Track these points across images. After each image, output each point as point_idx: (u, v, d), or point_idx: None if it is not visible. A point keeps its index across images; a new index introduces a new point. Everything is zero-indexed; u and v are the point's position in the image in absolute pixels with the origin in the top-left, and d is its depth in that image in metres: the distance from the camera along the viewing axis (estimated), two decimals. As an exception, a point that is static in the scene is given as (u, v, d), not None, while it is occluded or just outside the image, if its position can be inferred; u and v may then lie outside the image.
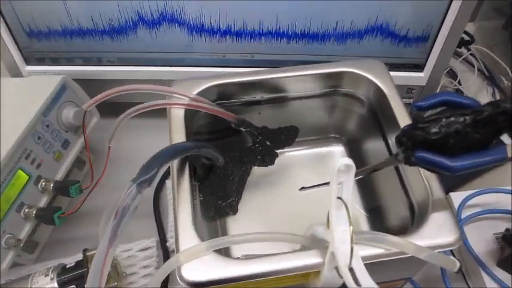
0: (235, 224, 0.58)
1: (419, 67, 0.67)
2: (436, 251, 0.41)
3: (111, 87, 0.50)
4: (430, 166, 0.38)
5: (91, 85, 0.67)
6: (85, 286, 0.41)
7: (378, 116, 0.55)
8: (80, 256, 0.54)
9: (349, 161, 0.37)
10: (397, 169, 0.52)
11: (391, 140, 0.54)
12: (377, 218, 0.57)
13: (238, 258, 0.49)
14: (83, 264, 0.52)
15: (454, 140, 0.37)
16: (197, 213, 0.48)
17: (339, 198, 0.38)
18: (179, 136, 0.50)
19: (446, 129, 0.37)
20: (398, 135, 0.41)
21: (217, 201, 0.54)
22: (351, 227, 0.37)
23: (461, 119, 0.37)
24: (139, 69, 0.69)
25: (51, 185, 0.58)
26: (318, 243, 0.42)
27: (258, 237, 0.41)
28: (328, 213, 0.38)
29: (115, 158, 0.58)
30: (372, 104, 0.57)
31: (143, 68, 0.69)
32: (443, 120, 0.37)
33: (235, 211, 0.58)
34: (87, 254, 0.54)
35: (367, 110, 0.58)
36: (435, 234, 0.42)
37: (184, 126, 0.50)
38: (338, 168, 0.36)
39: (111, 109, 0.54)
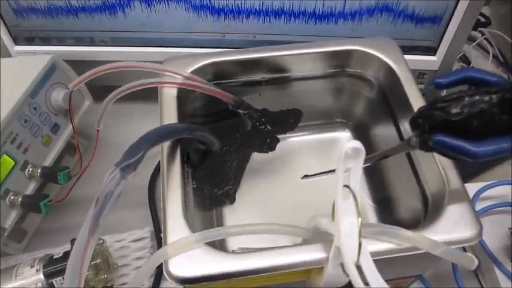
0: (232, 215, 0.54)
1: (432, 50, 0.62)
2: (452, 246, 0.36)
3: (104, 69, 0.47)
4: (450, 151, 0.34)
5: (83, 67, 0.62)
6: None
7: (388, 99, 0.51)
8: (68, 246, 0.52)
9: (357, 144, 0.33)
10: (409, 156, 0.48)
11: (403, 126, 0.49)
12: (386, 210, 0.54)
13: (233, 251, 0.45)
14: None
15: (478, 121, 0.32)
16: (189, 202, 0.44)
17: (346, 186, 0.34)
18: (170, 117, 0.46)
19: (469, 110, 0.32)
20: (414, 116, 0.36)
21: (213, 190, 0.50)
22: (359, 219, 0.33)
23: (487, 98, 0.32)
24: (133, 49, 0.65)
25: (39, 171, 0.55)
26: (321, 237, 0.38)
27: (255, 229, 0.38)
28: (333, 203, 0.35)
29: (107, 143, 0.56)
30: (382, 86, 0.53)
31: (138, 49, 0.65)
32: (466, 99, 0.33)
33: (232, 200, 0.54)
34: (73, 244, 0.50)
35: (377, 92, 0.54)
36: (451, 228, 0.38)
37: (176, 107, 0.46)
38: (345, 153, 0.32)
39: (104, 93, 0.51)
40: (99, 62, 0.50)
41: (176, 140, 0.44)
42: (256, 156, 0.55)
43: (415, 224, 0.41)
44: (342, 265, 0.35)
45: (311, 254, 0.37)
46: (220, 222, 0.54)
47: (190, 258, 0.36)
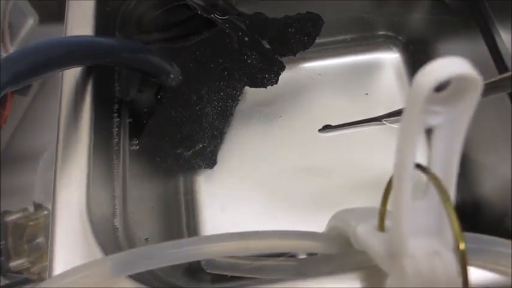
0: (210, 187, 0.37)
1: None
2: None
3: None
4: None
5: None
6: None
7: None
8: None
9: (464, 66, 0.12)
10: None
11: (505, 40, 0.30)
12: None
13: (192, 271, 0.28)
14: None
15: None
16: (120, 177, 0.26)
17: (421, 167, 0.15)
18: (82, 27, 0.26)
19: None
20: None
21: (175, 149, 0.32)
22: (462, 246, 0.13)
23: None
24: None
25: None
26: (354, 258, 0.19)
27: (232, 247, 0.20)
28: (383, 194, 0.17)
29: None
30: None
31: None
32: None
33: (211, 163, 0.37)
34: (7, 219, 0.42)
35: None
36: None
37: (96, 11, 0.26)
38: (431, 84, 0.12)
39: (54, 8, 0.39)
40: None
41: (93, 71, 0.26)
42: (249, 93, 0.40)
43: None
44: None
45: None
46: (192, 200, 0.37)
47: None
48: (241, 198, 0.36)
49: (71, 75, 0.25)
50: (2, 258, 0.41)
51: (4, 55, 0.47)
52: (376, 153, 0.36)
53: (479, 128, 0.35)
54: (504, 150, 0.32)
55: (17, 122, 0.51)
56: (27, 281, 0.42)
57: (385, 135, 0.35)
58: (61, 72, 0.25)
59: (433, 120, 0.14)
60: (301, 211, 0.35)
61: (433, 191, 0.15)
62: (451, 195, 0.15)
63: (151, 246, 0.20)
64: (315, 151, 0.39)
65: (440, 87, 0.14)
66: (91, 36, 0.27)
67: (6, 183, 0.47)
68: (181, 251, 0.19)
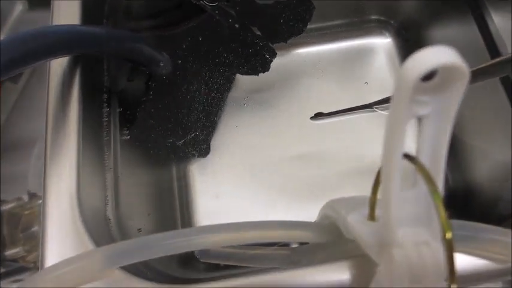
0: (204, 175, 0.37)
1: None
2: None
3: None
4: None
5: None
6: None
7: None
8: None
9: (450, 56, 0.12)
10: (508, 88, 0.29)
11: (497, 24, 0.29)
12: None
13: (186, 260, 0.28)
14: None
15: None
16: (110, 165, 0.25)
17: (409, 157, 0.14)
18: (69, 15, 0.25)
19: None
20: None
21: (167, 138, 0.31)
22: (449, 235, 0.13)
23: None
24: None
25: None
26: (346, 246, 0.19)
27: (219, 239, 0.20)
28: (374, 183, 0.17)
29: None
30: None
31: None
32: None
33: (204, 151, 0.36)
34: (2, 208, 0.42)
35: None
36: None
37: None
38: (417, 74, 0.12)
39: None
40: None
41: (80, 61, 0.25)
42: (240, 81, 0.39)
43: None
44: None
45: (323, 282, 0.19)
46: (185, 189, 0.36)
47: None
48: (235, 186, 0.36)
49: (58, 65, 0.24)
50: (-3, 248, 0.41)
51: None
52: (368, 140, 0.35)
53: (474, 113, 0.35)
54: (498, 135, 0.32)
55: (8, 111, 0.49)
56: (23, 269, 0.42)
57: (377, 123, 0.35)
58: (48, 62, 0.25)
59: (421, 110, 0.14)
60: (294, 198, 0.35)
61: (422, 180, 0.15)
62: (439, 185, 0.15)
63: (144, 237, 0.20)
64: (307, 138, 0.38)
65: (428, 77, 0.14)
66: (78, 25, 0.26)
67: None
68: (175, 242, 0.19)
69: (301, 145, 0.38)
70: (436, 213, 0.14)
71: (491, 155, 0.32)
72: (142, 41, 0.28)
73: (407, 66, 0.13)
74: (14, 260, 0.41)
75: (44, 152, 0.22)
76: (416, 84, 0.13)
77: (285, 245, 0.26)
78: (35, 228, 0.42)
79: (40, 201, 0.44)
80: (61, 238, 0.20)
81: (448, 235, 0.14)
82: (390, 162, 0.14)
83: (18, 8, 0.50)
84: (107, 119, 0.26)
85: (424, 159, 0.15)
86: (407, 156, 0.15)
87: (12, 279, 0.43)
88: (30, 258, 0.41)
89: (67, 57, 0.25)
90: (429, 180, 0.15)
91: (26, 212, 0.43)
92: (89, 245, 0.20)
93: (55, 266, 0.19)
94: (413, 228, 0.15)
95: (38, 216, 0.43)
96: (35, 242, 0.42)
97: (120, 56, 0.28)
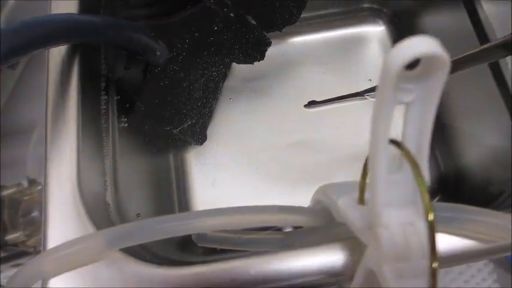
0: (200, 162, 0.37)
1: None
2: None
3: None
4: None
5: None
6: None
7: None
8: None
9: (433, 47, 0.13)
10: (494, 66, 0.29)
11: (487, 11, 0.29)
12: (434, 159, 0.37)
13: (184, 245, 0.29)
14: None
15: None
16: (109, 151, 0.26)
17: (395, 142, 0.15)
18: (66, 5, 0.25)
19: None
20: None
21: (164, 126, 0.32)
22: (431, 216, 0.14)
23: None
24: None
25: None
26: (337, 229, 0.20)
27: (215, 222, 0.20)
28: (363, 168, 0.18)
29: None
30: None
31: None
32: None
33: (200, 139, 0.37)
34: (2, 193, 0.42)
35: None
36: None
37: None
38: (400, 63, 0.13)
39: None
40: None
41: (78, 49, 0.26)
42: (236, 69, 0.39)
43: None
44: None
45: (317, 266, 0.19)
46: (182, 177, 0.36)
47: (88, 279, 0.19)
48: (231, 173, 0.36)
49: (57, 53, 0.25)
50: (-2, 232, 0.41)
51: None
52: (360, 128, 0.35)
53: (464, 99, 0.35)
54: (488, 120, 0.32)
55: (7, 97, 0.49)
56: (24, 253, 0.42)
57: (369, 110, 0.35)
58: (47, 50, 0.25)
59: (406, 98, 0.15)
60: (289, 184, 0.35)
61: (407, 164, 0.16)
62: (424, 169, 0.15)
63: (143, 220, 0.20)
64: (302, 126, 0.39)
65: (412, 65, 0.14)
66: (76, 14, 0.26)
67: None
68: (174, 226, 0.20)
69: (297, 132, 0.38)
70: (420, 195, 0.15)
71: (480, 140, 0.33)
72: (139, 30, 0.29)
73: (391, 55, 0.13)
74: (15, 245, 0.41)
75: (45, 138, 0.23)
76: (401, 72, 0.13)
77: (279, 229, 0.27)
78: (34, 214, 0.42)
79: (40, 187, 0.45)
80: (62, 221, 0.21)
81: (430, 216, 0.15)
82: (377, 147, 0.15)
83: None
84: (105, 106, 0.27)
85: (409, 145, 0.15)
86: (393, 141, 0.16)
87: (12, 263, 0.44)
88: (30, 243, 0.41)
89: (66, 46, 0.25)
90: (414, 164, 0.15)
91: (26, 198, 0.43)
92: (90, 229, 0.21)
93: (57, 248, 0.20)
94: (399, 209, 0.16)
95: (37, 201, 0.43)
96: (35, 227, 0.43)
97: (117, 45, 0.28)
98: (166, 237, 0.21)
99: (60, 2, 0.27)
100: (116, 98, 0.29)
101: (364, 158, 0.18)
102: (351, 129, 0.35)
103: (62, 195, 0.21)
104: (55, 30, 0.23)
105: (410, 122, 0.15)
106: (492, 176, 0.32)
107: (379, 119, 0.15)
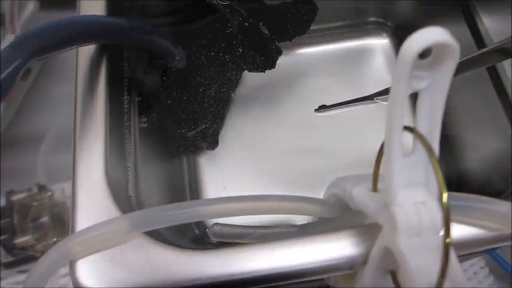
0: (213, 167, 0.38)
1: None
2: None
3: None
4: None
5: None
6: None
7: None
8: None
9: (444, 37, 0.14)
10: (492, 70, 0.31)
11: (486, 24, 0.31)
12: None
13: (206, 231, 0.29)
14: (5, 213, 0.41)
15: None
16: (132, 154, 0.27)
17: (409, 128, 0.17)
18: (94, 11, 0.27)
19: None
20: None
21: (179, 129, 0.33)
22: (445, 196, 0.15)
23: None
24: None
25: None
26: (351, 219, 0.21)
27: (236, 208, 0.22)
28: (377, 157, 0.19)
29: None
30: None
31: None
32: None
33: (213, 144, 0.38)
34: (13, 198, 0.43)
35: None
36: None
37: None
38: (414, 52, 0.14)
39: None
40: None
41: (106, 49, 0.27)
42: (247, 78, 0.40)
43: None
44: (394, 274, 0.19)
45: (333, 249, 0.20)
46: (194, 180, 0.38)
47: (116, 261, 0.20)
48: (242, 178, 0.37)
49: (86, 51, 0.26)
50: (7, 236, 0.41)
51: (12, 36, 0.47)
52: (371, 134, 0.36)
53: (466, 108, 0.37)
54: (489, 128, 0.34)
55: (17, 107, 0.51)
56: (32, 258, 0.42)
57: (379, 117, 0.36)
58: (75, 50, 0.27)
59: (419, 85, 0.16)
60: (300, 189, 0.35)
61: (419, 148, 0.17)
62: (436, 150, 0.17)
63: (166, 205, 0.21)
64: (312, 132, 0.40)
65: (424, 54, 0.16)
66: (105, 16, 0.28)
67: (7, 166, 0.47)
68: (196, 210, 0.21)
69: (306, 138, 0.39)
70: (434, 173, 0.16)
71: (480, 145, 0.34)
72: (160, 35, 0.30)
73: (406, 45, 0.15)
74: (23, 248, 0.42)
75: (74, 132, 0.24)
76: (415, 60, 0.15)
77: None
78: (43, 219, 0.43)
79: (49, 193, 0.46)
80: (91, 206, 0.22)
81: (445, 194, 0.16)
82: (392, 131, 0.16)
83: (30, 7, 0.50)
84: (127, 106, 0.28)
85: (422, 129, 0.17)
86: (406, 127, 0.17)
87: (18, 269, 0.44)
88: (38, 247, 0.42)
89: (93, 46, 0.27)
90: (427, 146, 0.17)
91: (35, 203, 0.44)
92: (117, 214, 0.22)
93: (85, 230, 0.21)
94: (412, 190, 0.17)
95: (46, 207, 0.43)
96: (44, 232, 0.43)
97: (140, 47, 0.29)
98: (189, 221, 0.22)
99: (88, 7, 0.29)
100: (137, 98, 0.30)
101: (373, 162, 0.19)
102: (360, 134, 0.37)
103: (91, 182, 0.22)
104: (85, 30, 0.25)
105: (423, 107, 0.17)
106: (492, 181, 0.33)
107: (394, 104, 0.16)
